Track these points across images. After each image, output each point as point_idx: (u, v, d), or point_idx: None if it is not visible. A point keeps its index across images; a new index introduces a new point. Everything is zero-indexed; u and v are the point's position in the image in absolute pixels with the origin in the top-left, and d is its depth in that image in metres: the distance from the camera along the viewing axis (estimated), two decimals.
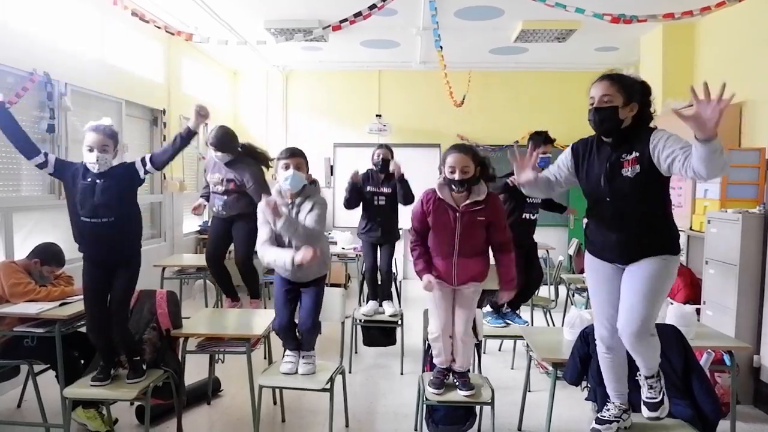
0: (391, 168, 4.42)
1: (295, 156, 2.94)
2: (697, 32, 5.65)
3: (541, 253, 6.72)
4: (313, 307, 3.03)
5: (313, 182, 3.32)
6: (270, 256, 2.90)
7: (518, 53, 7.16)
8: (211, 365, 3.71)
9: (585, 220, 2.51)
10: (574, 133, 9.15)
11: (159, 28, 4.76)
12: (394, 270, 4.96)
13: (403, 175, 4.37)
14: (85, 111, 4.84)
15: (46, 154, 2.80)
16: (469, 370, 2.92)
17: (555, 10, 4.40)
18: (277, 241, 2.97)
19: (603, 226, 2.34)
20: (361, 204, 4.51)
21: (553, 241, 7.52)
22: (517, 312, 4.07)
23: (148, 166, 2.89)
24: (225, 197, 4.25)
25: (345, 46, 7.03)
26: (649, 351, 2.26)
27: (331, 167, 8.06)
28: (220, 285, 4.49)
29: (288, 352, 3.05)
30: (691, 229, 4.79)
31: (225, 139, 4.17)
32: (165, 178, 6.18)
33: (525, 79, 8.04)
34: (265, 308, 4.81)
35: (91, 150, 2.76)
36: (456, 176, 2.69)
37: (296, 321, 3.07)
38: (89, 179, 2.78)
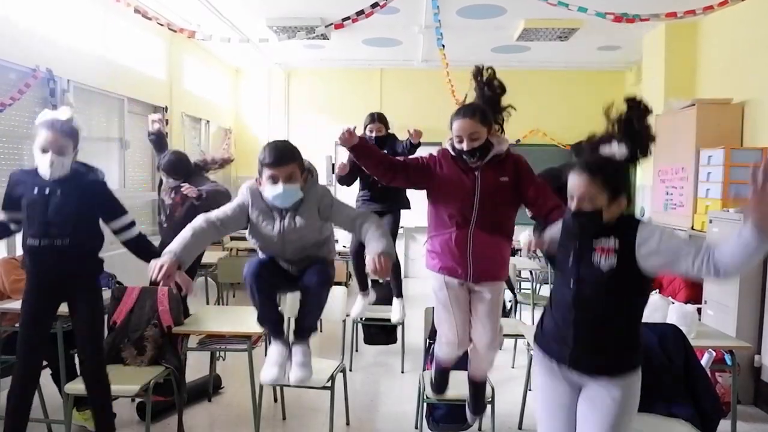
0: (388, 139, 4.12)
1: (284, 164, 2.19)
2: (700, 31, 5.64)
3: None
4: (320, 268, 2.39)
5: (310, 173, 2.49)
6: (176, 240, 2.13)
7: (520, 52, 7.15)
8: (212, 362, 3.72)
9: None
10: (575, 133, 9.13)
11: (161, 25, 4.77)
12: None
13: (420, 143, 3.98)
14: (88, 108, 4.85)
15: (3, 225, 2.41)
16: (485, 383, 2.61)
17: (557, 8, 4.39)
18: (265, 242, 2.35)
19: (560, 313, 1.89)
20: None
21: None
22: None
23: None
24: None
25: (347, 45, 7.03)
26: None
27: (333, 165, 8.05)
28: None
29: (274, 345, 2.42)
30: (692, 228, 4.79)
31: (178, 165, 3.82)
32: None
33: (527, 78, 8.02)
34: None
35: (44, 151, 2.24)
36: (464, 146, 2.23)
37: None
38: (40, 189, 2.27)
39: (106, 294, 3.34)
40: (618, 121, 1.88)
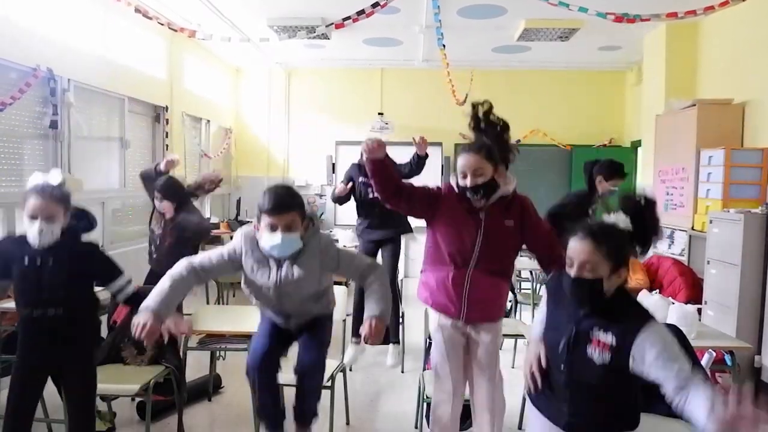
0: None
1: (285, 212, 2.06)
2: (701, 32, 5.64)
3: None
4: (315, 344, 2.36)
5: (312, 221, 2.28)
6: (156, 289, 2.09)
7: (521, 52, 7.14)
8: (212, 362, 3.72)
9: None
10: (575, 132, 9.13)
11: (162, 24, 4.77)
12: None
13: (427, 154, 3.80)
14: (88, 107, 4.85)
15: None
16: None
17: (558, 8, 4.39)
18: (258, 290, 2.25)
19: (553, 385, 1.83)
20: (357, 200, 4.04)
21: None
22: None
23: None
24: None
25: (347, 44, 7.03)
26: None
27: (333, 165, 8.07)
28: None
29: None
30: (693, 228, 4.79)
31: (173, 189, 3.83)
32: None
33: (527, 78, 8.02)
34: None
35: (33, 218, 2.12)
36: (468, 182, 2.18)
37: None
38: (31, 260, 2.14)
39: (107, 293, 3.35)
40: (633, 213, 1.77)
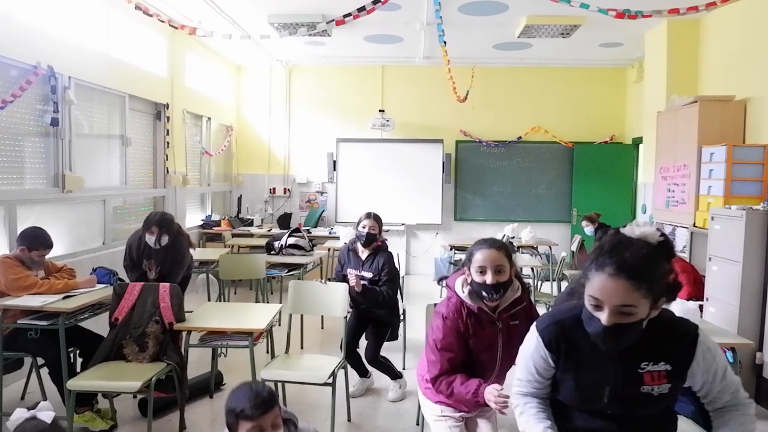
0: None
1: (269, 411, 1.72)
2: (702, 28, 5.62)
3: (543, 249, 6.77)
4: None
5: (294, 425, 1.99)
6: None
7: (522, 49, 7.13)
8: (214, 359, 3.73)
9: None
10: (576, 129, 9.12)
11: (162, 21, 4.76)
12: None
13: (364, 287, 3.59)
14: (89, 104, 4.85)
15: None
16: None
17: (559, 5, 4.38)
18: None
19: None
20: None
21: (555, 237, 7.53)
22: None
23: None
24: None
25: (348, 41, 7.02)
26: None
27: (334, 162, 8.06)
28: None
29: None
30: (694, 225, 4.78)
31: (169, 222, 3.88)
32: (168, 172, 6.18)
33: (529, 75, 8.01)
34: (267, 302, 4.82)
35: None
36: (488, 279, 2.00)
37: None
38: None
39: (108, 290, 3.36)
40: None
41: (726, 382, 1.47)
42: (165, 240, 3.83)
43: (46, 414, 1.72)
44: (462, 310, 2.09)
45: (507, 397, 1.80)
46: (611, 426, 1.50)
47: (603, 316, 1.35)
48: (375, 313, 3.70)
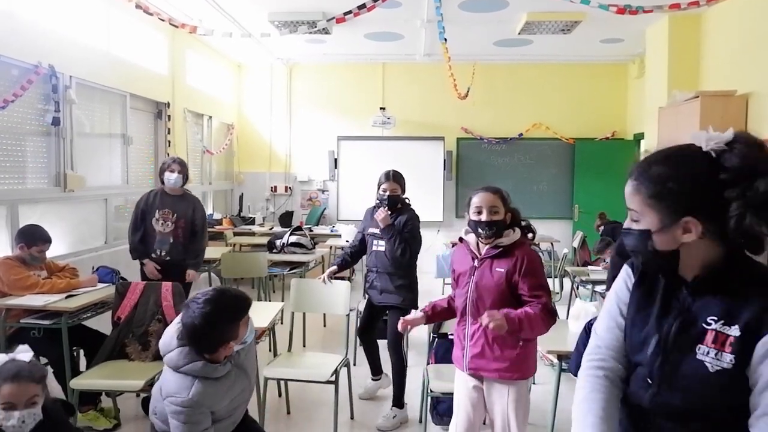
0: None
1: None
2: (704, 23, 5.60)
3: (545, 245, 6.77)
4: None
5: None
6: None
7: (523, 45, 7.12)
8: None
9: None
10: (578, 126, 9.11)
11: (163, 20, 4.76)
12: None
13: (390, 224, 3.31)
14: (90, 103, 4.85)
15: None
16: None
17: (560, 1, 4.37)
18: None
19: (631, 419, 1.26)
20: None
21: (557, 233, 7.52)
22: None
23: None
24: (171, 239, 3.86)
25: (349, 39, 7.01)
26: None
27: (335, 160, 8.06)
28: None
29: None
30: None
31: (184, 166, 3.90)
32: None
33: (530, 72, 8.00)
34: (269, 300, 4.84)
35: (10, 408, 1.74)
36: (483, 217, 2.17)
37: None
38: None
39: (110, 290, 3.36)
40: None
41: None
42: (183, 182, 3.69)
43: (24, 355, 1.87)
44: (460, 247, 2.35)
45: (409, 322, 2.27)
46: (652, 419, 1.20)
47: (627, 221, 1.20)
48: (388, 300, 3.40)
